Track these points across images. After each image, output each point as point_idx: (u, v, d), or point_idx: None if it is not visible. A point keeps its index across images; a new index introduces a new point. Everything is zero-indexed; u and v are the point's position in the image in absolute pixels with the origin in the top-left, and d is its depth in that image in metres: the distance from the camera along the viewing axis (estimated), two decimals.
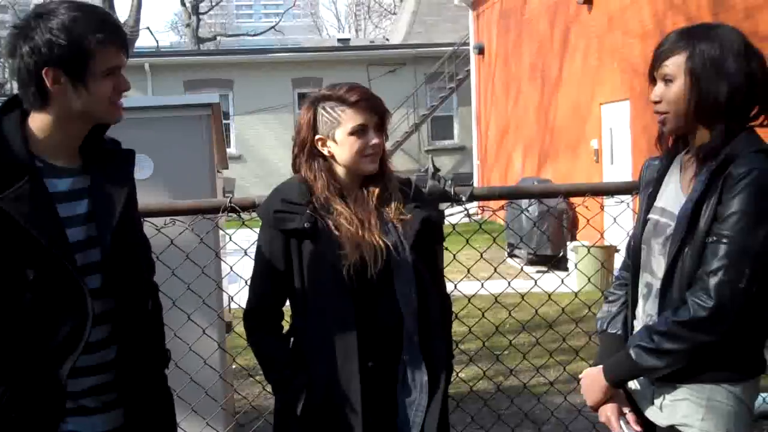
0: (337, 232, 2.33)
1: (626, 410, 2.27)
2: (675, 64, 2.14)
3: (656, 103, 2.19)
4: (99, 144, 2.10)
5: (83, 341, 1.94)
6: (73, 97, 1.95)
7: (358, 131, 2.37)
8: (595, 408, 2.30)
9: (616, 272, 2.53)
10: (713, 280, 2.03)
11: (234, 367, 4.76)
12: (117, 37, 1.98)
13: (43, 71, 1.92)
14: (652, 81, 2.22)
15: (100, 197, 2.03)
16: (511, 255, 12.05)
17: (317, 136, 2.42)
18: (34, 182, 1.91)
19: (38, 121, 1.99)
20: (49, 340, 1.92)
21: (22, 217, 1.86)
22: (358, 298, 2.31)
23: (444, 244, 2.60)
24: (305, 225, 2.32)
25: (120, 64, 2.00)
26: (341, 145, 2.39)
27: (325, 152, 2.42)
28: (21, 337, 1.91)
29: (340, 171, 2.43)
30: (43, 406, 1.92)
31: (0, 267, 1.88)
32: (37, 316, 1.91)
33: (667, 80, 2.16)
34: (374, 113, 2.39)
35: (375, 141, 2.38)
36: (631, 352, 2.14)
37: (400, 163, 20.24)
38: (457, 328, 2.59)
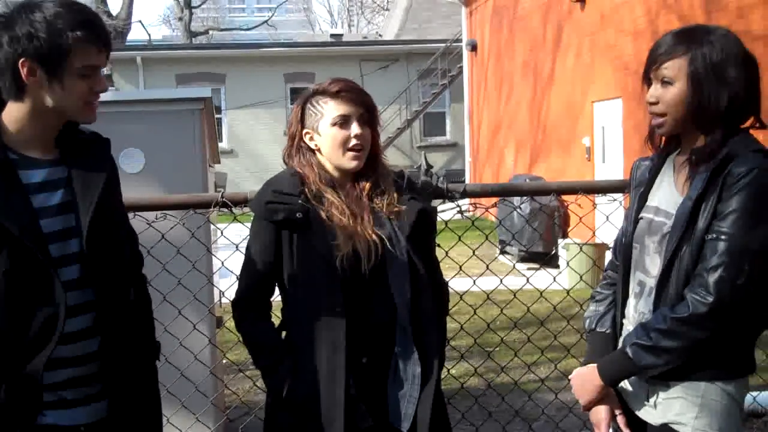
0: (329, 222, 2.33)
1: (617, 412, 2.26)
2: (675, 67, 2.13)
3: (652, 104, 2.19)
4: (75, 134, 2.10)
5: (57, 333, 1.93)
6: (47, 91, 1.96)
7: (340, 122, 2.37)
8: (588, 408, 2.29)
9: None
10: (713, 277, 2.03)
11: (224, 362, 4.75)
12: (98, 37, 1.98)
13: (20, 62, 1.93)
14: (647, 82, 2.21)
15: (77, 187, 2.03)
16: (503, 252, 12.06)
17: (305, 130, 2.43)
18: (6, 173, 1.93)
19: (14, 113, 2.00)
20: (23, 331, 1.92)
21: None
22: (350, 290, 2.30)
23: (436, 240, 2.59)
24: (297, 215, 2.32)
25: (99, 64, 2.00)
26: (324, 137, 2.39)
27: (313, 146, 2.42)
28: None
29: (329, 165, 2.42)
30: (19, 399, 1.91)
31: None
32: (10, 307, 1.91)
33: (666, 82, 2.15)
34: (358, 105, 2.39)
35: (357, 132, 2.37)
36: (628, 350, 2.14)
37: (392, 159, 19.66)
38: (448, 324, 2.58)
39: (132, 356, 2.12)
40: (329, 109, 2.38)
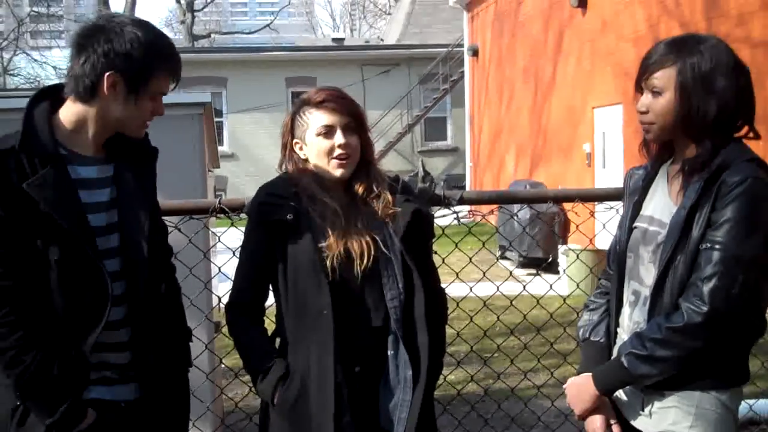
0: (321, 222, 2.33)
1: (612, 422, 2.26)
2: (664, 77, 2.14)
3: (643, 113, 2.20)
4: (120, 137, 2.22)
5: (104, 319, 2.09)
6: (121, 105, 2.11)
7: (324, 132, 2.38)
8: (583, 417, 2.29)
9: None
10: (707, 287, 2.03)
11: (222, 367, 4.74)
12: (176, 69, 2.18)
13: (106, 74, 2.06)
14: (639, 90, 2.22)
15: (127, 187, 2.19)
16: (503, 258, 12.06)
17: (294, 140, 2.44)
18: (58, 169, 2.06)
19: (76, 113, 2.12)
20: (74, 315, 2.07)
21: (46, 202, 2.01)
22: (341, 293, 2.30)
23: (433, 246, 2.58)
24: (288, 217, 2.32)
25: (166, 92, 2.19)
26: (310, 147, 2.40)
27: (302, 155, 2.43)
28: (48, 311, 2.06)
29: (320, 173, 2.42)
30: (70, 375, 2.07)
31: (27, 248, 2.02)
32: (62, 293, 2.06)
33: (655, 92, 2.16)
34: (342, 114, 2.38)
35: (341, 141, 2.36)
36: (623, 359, 2.14)
37: (393, 164, 20.21)
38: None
39: (162, 343, 2.25)
40: (314, 120, 2.39)
